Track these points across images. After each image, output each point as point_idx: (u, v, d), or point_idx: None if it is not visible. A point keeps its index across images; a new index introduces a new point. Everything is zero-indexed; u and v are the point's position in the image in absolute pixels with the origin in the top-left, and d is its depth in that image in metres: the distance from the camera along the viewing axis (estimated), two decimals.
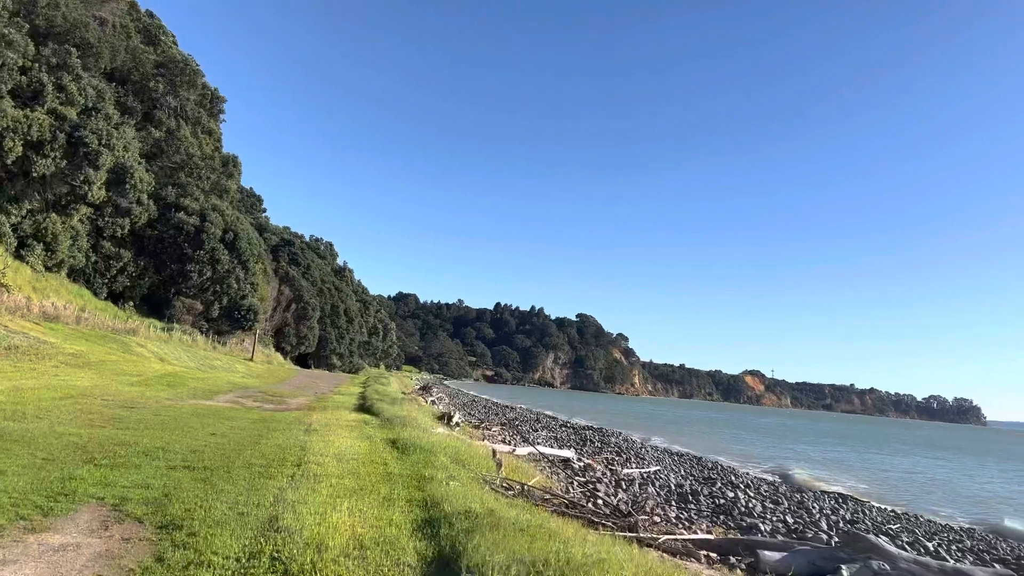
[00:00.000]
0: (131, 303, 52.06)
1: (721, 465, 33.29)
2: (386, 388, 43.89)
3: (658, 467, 24.89)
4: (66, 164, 43.25)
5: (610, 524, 10.88)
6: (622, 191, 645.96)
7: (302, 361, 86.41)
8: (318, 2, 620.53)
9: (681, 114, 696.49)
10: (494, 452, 14.87)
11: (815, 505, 20.60)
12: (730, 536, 12.32)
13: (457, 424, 26.09)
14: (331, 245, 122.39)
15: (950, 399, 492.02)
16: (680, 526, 13.18)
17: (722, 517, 16.10)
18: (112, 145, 46.13)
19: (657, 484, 20.03)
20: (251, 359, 55.82)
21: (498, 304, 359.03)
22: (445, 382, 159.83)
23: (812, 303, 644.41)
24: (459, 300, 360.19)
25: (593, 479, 18.10)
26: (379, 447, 14.08)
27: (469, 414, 40.71)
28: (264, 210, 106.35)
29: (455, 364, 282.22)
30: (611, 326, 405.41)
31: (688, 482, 22.43)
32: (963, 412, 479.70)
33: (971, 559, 14.75)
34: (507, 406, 71.63)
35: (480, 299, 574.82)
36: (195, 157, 58.48)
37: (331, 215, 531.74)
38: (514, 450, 20.63)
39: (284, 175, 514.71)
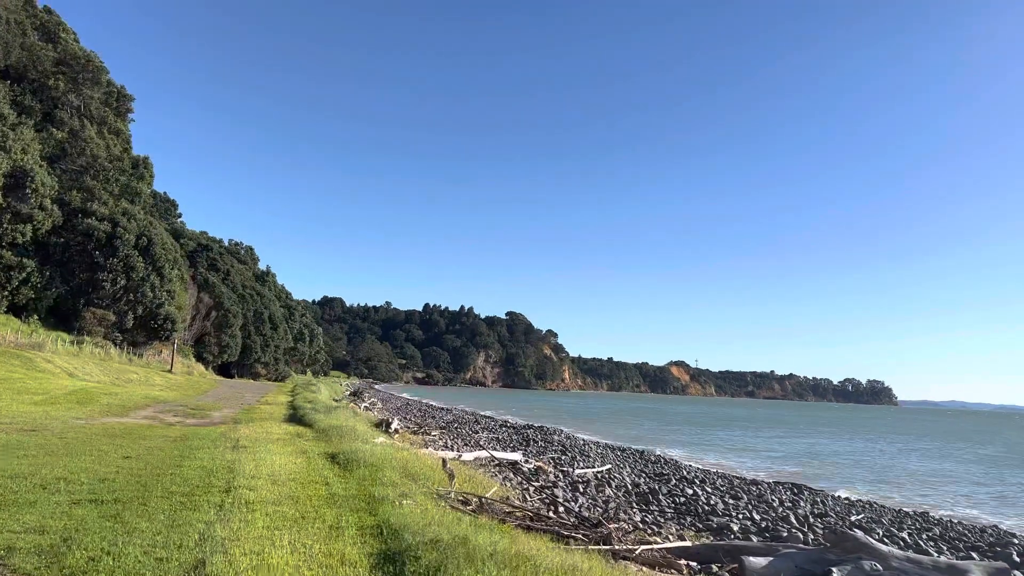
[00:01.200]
0: (36, 316, 48.50)
1: (663, 459, 32.95)
2: (316, 396, 42.08)
3: (609, 465, 24.13)
4: None
5: (580, 536, 9.91)
6: (548, 186, 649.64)
7: (225, 371, 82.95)
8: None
9: (598, 104, 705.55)
10: (444, 461, 13.73)
11: (773, 497, 20.17)
12: (708, 542, 11.54)
13: (396, 431, 24.79)
14: (251, 249, 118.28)
15: (864, 382, 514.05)
16: (649, 531, 12.36)
17: (688, 518, 15.33)
18: (8, 147, 42.81)
19: (613, 484, 19.18)
20: (170, 371, 52.85)
21: (427, 305, 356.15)
22: (376, 386, 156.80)
23: (732, 294, 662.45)
24: (387, 302, 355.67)
25: (548, 483, 17.13)
26: (318, 463, 12.75)
27: (405, 419, 39.30)
28: (179, 215, 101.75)
29: (385, 367, 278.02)
30: (541, 323, 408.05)
31: (643, 480, 21.70)
32: (876, 394, 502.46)
33: (946, 548, 14.46)
34: (443, 408, 70.26)
35: (409, 301, 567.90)
36: (102, 159, 55.01)
37: (250, 219, 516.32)
38: (460, 456, 19.51)
39: (197, 178, 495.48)
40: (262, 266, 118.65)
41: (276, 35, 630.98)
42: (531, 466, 20.30)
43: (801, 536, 13.76)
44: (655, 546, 9.97)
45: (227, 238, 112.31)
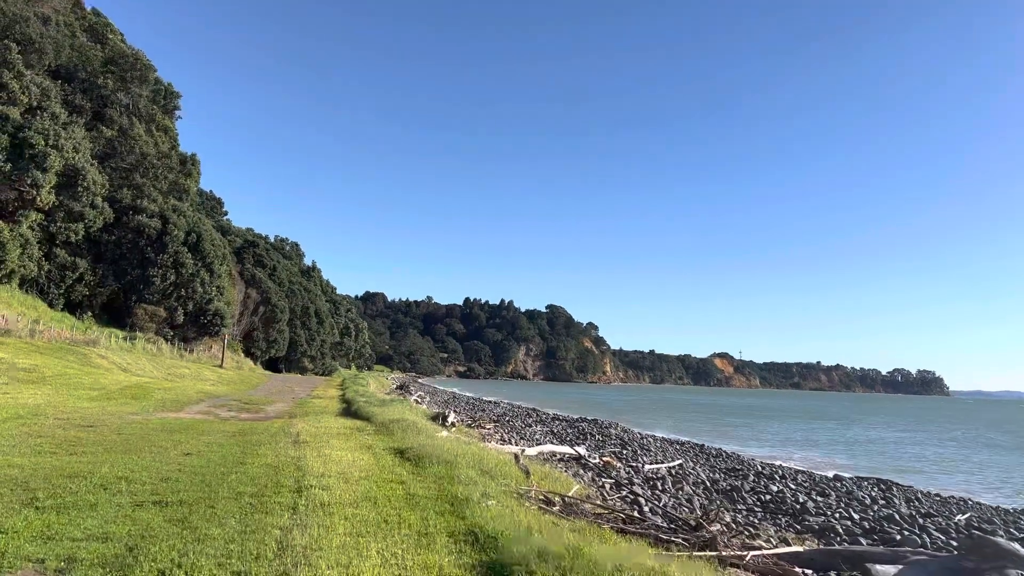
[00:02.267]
0: (90, 313, 49.00)
1: (725, 453, 31.73)
2: (366, 389, 41.70)
3: (680, 460, 23.04)
4: (10, 167, 40.18)
5: (680, 540, 8.99)
6: (587, 181, 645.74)
7: (273, 365, 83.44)
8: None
9: (642, 100, 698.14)
10: (516, 457, 12.91)
11: (863, 495, 18.87)
12: (823, 547, 10.50)
13: (453, 424, 24.05)
14: (297, 245, 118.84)
15: (914, 372, 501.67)
16: (746, 534, 11.36)
17: (782, 518, 14.26)
18: (61, 146, 43.10)
19: (690, 481, 18.11)
20: (220, 366, 53.06)
21: (467, 299, 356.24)
22: (419, 380, 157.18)
23: (777, 284, 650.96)
24: (428, 297, 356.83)
25: (623, 480, 16.19)
26: (386, 460, 11.98)
27: (456, 411, 38.67)
28: (226, 212, 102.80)
29: (427, 361, 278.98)
30: (581, 316, 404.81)
31: (719, 476, 20.60)
32: (927, 384, 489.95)
33: None
34: (491, 401, 69.62)
35: (449, 295, 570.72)
36: (151, 156, 55.38)
37: (294, 216, 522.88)
38: (524, 451, 18.68)
39: (241, 176, 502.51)
40: (307, 261, 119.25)
41: (320, 33, 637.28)
42: (597, 461, 19.36)
43: (918, 539, 12.59)
44: (766, 551, 8.98)
45: (272, 235, 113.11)
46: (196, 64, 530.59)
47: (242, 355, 72.24)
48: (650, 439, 33.64)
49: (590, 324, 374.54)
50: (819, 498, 17.40)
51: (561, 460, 19.23)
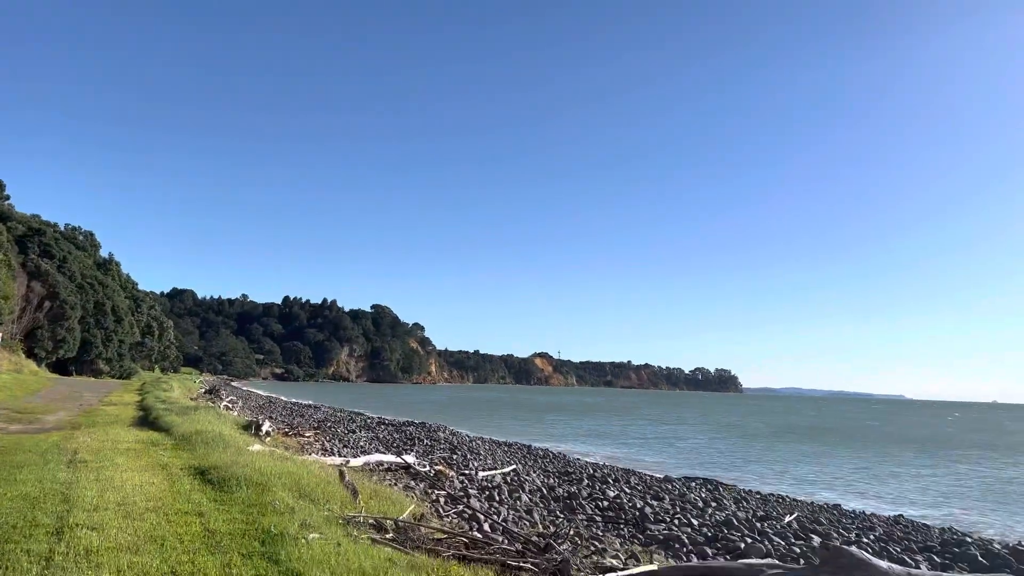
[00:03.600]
0: None
1: (552, 453, 31.72)
2: (169, 395, 37.91)
3: (515, 465, 22.28)
4: None
5: (530, 566, 8.02)
6: (413, 176, 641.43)
7: (62, 368, 74.82)
8: None
9: (467, 100, 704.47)
10: (342, 474, 11.40)
11: (696, 497, 18.89)
12: (679, 564, 9.94)
13: (268, 433, 21.94)
14: (92, 235, 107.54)
15: (712, 371, 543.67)
16: (591, 548, 10.62)
17: (624, 528, 13.72)
18: None
19: (526, 488, 17.24)
20: None
21: (287, 298, 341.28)
22: (232, 383, 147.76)
23: (593, 284, 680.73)
24: (243, 295, 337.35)
25: (458, 491, 15.03)
26: (184, 483, 10.08)
27: (273, 419, 35.94)
28: (7, 197, 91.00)
29: (241, 363, 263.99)
30: (407, 316, 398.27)
31: (553, 481, 19.98)
32: (724, 381, 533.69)
33: (921, 556, 13.58)
34: (310, 405, 66.32)
35: (267, 293, 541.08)
36: None
37: (90, 202, 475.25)
38: (348, 462, 17.10)
39: (29, 158, 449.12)
40: (104, 253, 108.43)
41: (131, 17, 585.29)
42: (428, 469, 18.17)
43: (761, 546, 12.47)
44: (620, 574, 8.22)
45: (63, 223, 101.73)
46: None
47: (23, 356, 63.94)
48: (478, 442, 32.92)
49: (416, 324, 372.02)
50: (655, 502, 17.22)
51: (389, 470, 17.86)
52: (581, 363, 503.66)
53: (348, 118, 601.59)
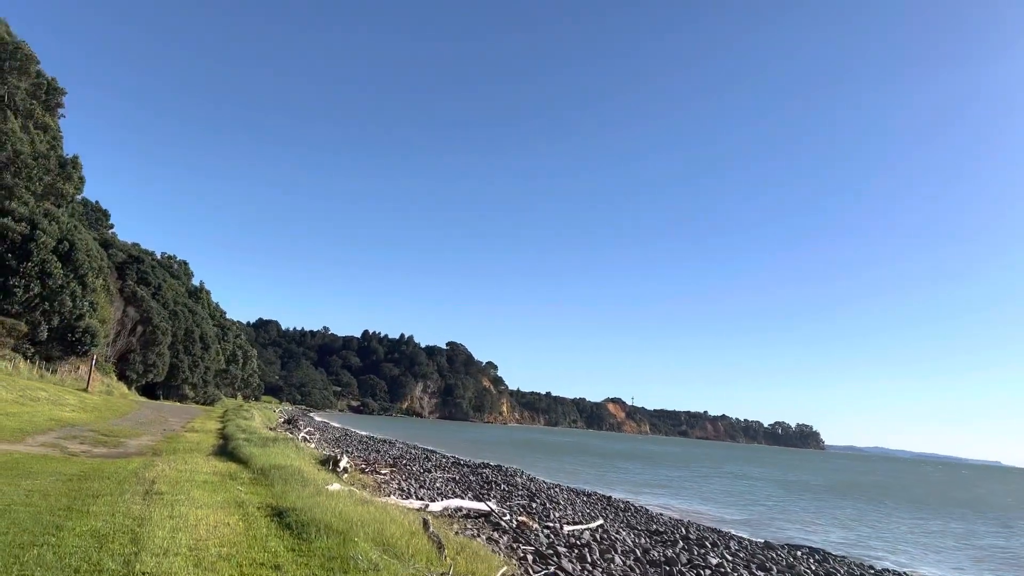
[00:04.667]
0: None
1: (633, 506, 30.30)
2: (250, 423, 38.19)
3: (600, 520, 21.09)
4: None
5: None
6: (493, 218, 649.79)
7: (150, 391, 77.21)
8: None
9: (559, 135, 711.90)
10: (425, 523, 10.69)
11: (806, 569, 17.38)
12: None
13: (345, 470, 21.47)
14: (186, 264, 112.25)
15: (793, 425, 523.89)
16: None
17: None
18: None
19: (618, 548, 16.08)
20: (86, 389, 47.98)
21: (366, 332, 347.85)
22: (310, 414, 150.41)
23: (669, 332, 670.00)
24: (324, 327, 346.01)
25: (545, 547, 14.08)
26: (260, 525, 9.53)
27: (348, 452, 35.69)
28: (111, 226, 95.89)
29: (319, 394, 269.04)
30: (481, 354, 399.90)
31: (647, 542, 18.67)
32: (804, 437, 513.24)
33: None
34: (385, 440, 66.23)
35: (347, 327, 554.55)
36: (25, 155, 50.31)
37: (185, 233, 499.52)
38: (427, 506, 16.39)
39: (132, 187, 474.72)
40: (196, 282, 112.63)
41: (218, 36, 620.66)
42: (509, 518, 17.25)
43: None
44: None
45: (160, 251, 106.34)
46: (99, 68, 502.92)
47: (114, 379, 66.21)
48: (556, 489, 31.75)
49: (489, 363, 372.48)
50: (761, 573, 15.78)
51: (468, 516, 17.05)
52: (655, 411, 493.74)
53: (431, 158, 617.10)
